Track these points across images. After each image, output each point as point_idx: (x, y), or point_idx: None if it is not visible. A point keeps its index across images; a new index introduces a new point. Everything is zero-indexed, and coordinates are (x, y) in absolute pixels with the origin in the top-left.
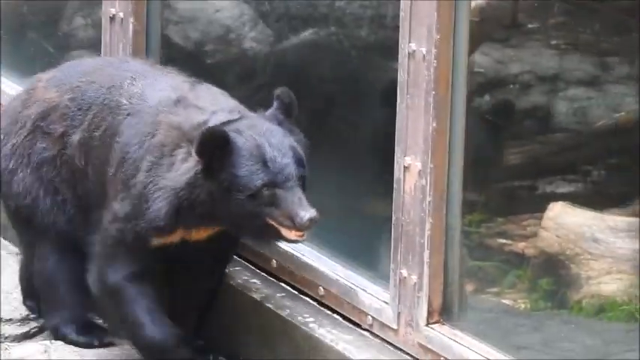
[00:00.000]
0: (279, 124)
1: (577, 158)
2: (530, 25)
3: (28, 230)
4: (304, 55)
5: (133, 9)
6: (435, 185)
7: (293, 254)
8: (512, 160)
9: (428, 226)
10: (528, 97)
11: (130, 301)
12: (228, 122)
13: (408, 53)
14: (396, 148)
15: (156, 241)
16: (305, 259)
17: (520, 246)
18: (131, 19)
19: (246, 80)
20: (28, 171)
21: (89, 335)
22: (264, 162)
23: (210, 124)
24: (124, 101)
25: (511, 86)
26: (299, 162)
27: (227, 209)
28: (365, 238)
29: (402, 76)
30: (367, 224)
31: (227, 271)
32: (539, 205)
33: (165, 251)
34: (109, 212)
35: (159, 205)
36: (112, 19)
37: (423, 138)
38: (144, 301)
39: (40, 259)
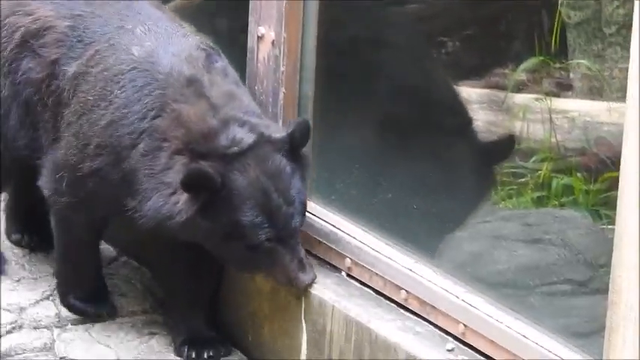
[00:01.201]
0: (291, 151)
1: (432, 29)
2: None
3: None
4: None
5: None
6: (289, 55)
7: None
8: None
9: (281, 95)
10: None
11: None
12: (234, 156)
13: None
14: (250, 19)
15: None
16: None
17: None
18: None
19: None
20: (6, 83)
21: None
22: (269, 213)
23: (220, 140)
24: (134, 51)
25: None
26: (302, 210)
27: (222, 249)
28: None
29: None
30: None
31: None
32: None
33: None
34: (88, 165)
35: (146, 211)
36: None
37: (276, 8)
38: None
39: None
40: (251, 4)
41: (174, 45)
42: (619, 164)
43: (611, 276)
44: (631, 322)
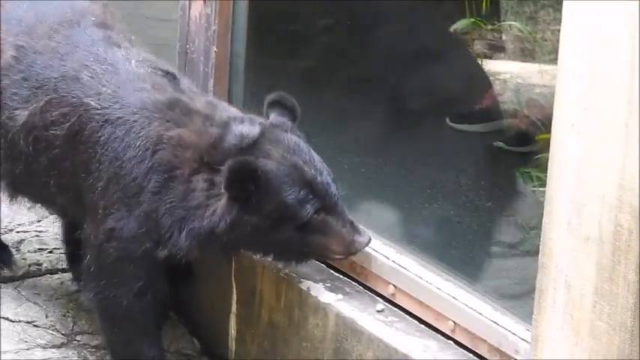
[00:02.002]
0: (291, 132)
1: None
2: None
3: None
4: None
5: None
6: (220, 14)
7: None
8: None
9: (213, 54)
10: None
11: (132, 322)
12: (251, 145)
13: None
14: None
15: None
16: None
17: None
18: None
19: None
20: None
21: None
22: (309, 185)
23: (228, 140)
24: (93, 104)
25: None
26: (332, 177)
27: (274, 241)
28: None
29: None
30: None
31: None
32: None
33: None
34: (102, 229)
35: (184, 242)
36: None
37: None
38: (146, 324)
39: None
40: None
41: (130, 80)
42: (550, 126)
43: (541, 238)
44: (561, 285)
